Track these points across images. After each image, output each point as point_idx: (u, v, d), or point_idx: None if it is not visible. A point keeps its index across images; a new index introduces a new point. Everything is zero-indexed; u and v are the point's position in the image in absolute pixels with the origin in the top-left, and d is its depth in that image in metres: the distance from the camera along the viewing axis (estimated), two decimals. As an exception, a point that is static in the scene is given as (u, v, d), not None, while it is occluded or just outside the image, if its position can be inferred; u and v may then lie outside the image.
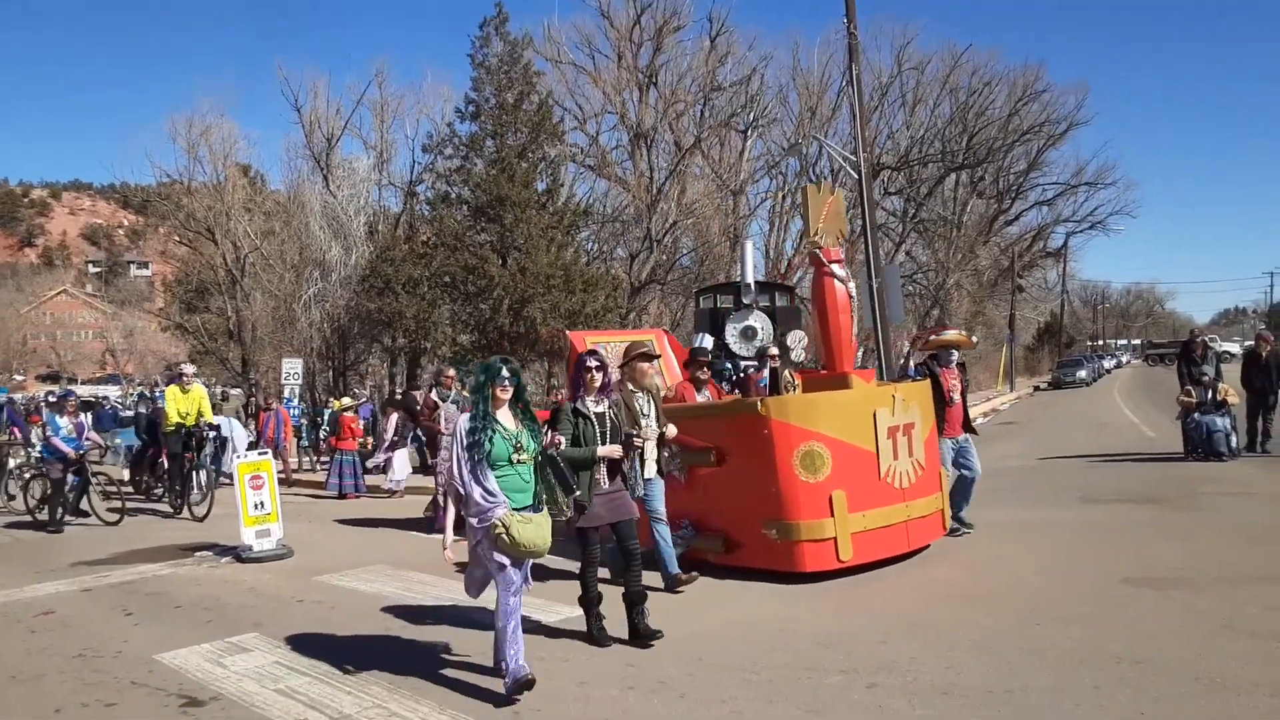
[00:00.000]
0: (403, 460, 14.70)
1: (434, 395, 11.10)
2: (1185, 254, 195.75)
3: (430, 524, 10.30)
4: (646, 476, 6.61)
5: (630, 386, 6.55)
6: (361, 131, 31.60)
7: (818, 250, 8.48)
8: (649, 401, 6.63)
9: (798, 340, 18.87)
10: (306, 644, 5.87)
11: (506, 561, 4.65)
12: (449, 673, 5.19)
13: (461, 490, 4.71)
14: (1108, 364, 59.91)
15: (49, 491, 11.77)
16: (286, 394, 21.83)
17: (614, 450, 5.68)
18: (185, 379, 13.03)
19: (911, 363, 14.88)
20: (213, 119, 33.26)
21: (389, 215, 30.73)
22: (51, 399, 16.06)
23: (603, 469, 5.65)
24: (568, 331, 8.85)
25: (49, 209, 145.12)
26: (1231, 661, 4.79)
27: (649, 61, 31.04)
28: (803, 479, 6.86)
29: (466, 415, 4.88)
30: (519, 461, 4.75)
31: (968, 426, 8.86)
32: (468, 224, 24.71)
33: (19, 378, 79.27)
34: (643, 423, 6.35)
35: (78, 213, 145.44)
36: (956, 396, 8.68)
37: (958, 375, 8.91)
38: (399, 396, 17.77)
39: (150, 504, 14.09)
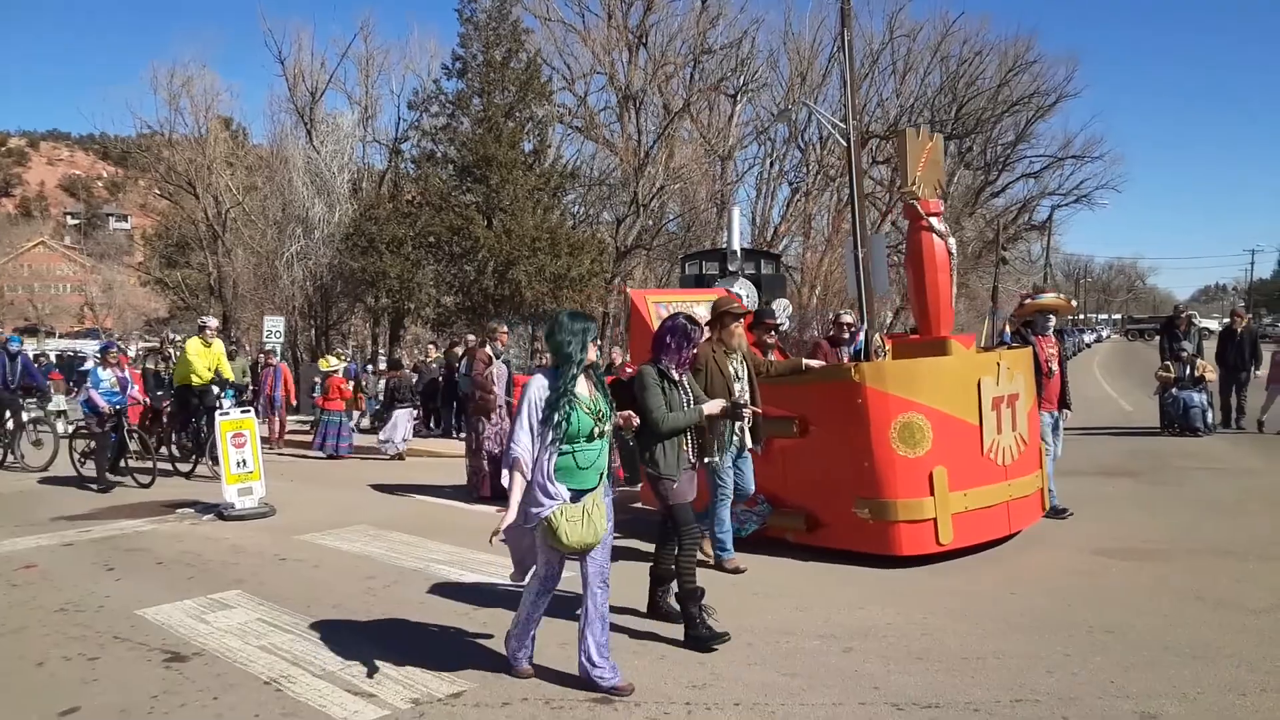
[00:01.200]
0: (404, 421, 14.54)
1: (488, 350, 10.34)
2: (1168, 230, 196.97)
3: (468, 493, 10.13)
4: (743, 448, 6.16)
5: (721, 348, 6.09)
6: (346, 86, 31.22)
7: (914, 202, 7.87)
8: (741, 364, 6.15)
9: (783, 308, 18.95)
10: (289, 601, 5.90)
11: (553, 556, 4.28)
12: (432, 632, 5.24)
13: (524, 471, 4.12)
14: (1088, 338, 60.52)
15: (93, 447, 11.39)
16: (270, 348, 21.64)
17: (716, 406, 5.14)
18: (208, 332, 12.33)
19: (1006, 329, 14.60)
20: (194, 70, 32.83)
21: (373, 173, 30.41)
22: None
23: (690, 439, 5.06)
24: (629, 289, 8.37)
25: (26, 159, 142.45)
26: (1201, 631, 4.91)
27: (639, 21, 30.67)
28: (900, 453, 6.29)
29: (539, 380, 4.19)
30: (600, 435, 4.21)
31: (1064, 401, 8.20)
32: (453, 184, 24.51)
33: (-3, 330, 78.39)
34: (735, 388, 5.92)
35: (56, 163, 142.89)
36: (1055, 367, 8.01)
37: (1055, 344, 8.23)
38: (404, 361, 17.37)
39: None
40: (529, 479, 4.11)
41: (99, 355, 12.12)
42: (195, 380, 11.96)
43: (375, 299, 25.54)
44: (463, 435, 14.27)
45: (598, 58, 30.80)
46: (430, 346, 21.26)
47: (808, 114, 28.50)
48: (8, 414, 13.36)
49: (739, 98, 30.46)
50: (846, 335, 8.97)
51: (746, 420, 5.66)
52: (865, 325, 11.01)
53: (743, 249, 17.88)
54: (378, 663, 4.70)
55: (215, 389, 11.99)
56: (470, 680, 4.43)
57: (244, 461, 9.22)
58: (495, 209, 23.57)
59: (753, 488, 6.45)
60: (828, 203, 32.61)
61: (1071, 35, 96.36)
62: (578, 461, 4.16)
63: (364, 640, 5.08)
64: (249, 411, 9.92)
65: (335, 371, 15.56)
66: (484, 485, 9.80)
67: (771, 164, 32.45)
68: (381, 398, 14.65)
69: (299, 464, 13.94)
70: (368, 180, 29.62)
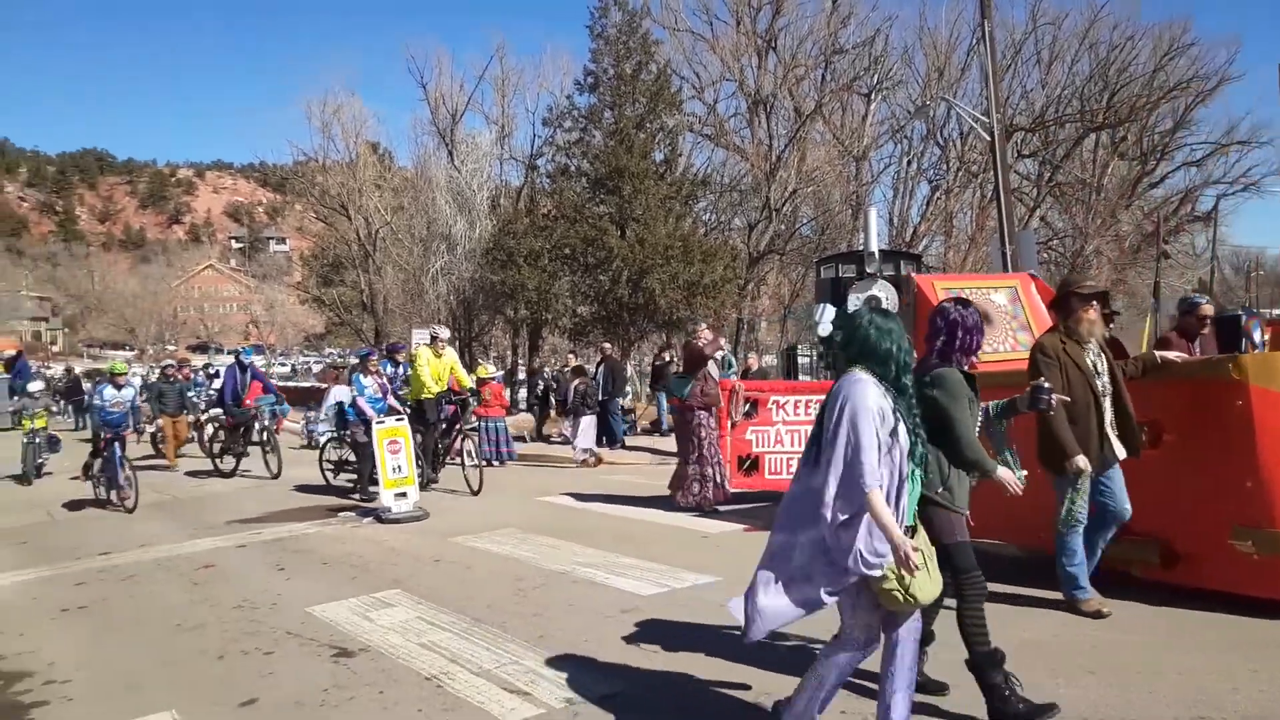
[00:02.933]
0: (589, 427, 14.53)
1: (707, 335, 9.73)
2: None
3: (668, 501, 9.59)
4: (1110, 459, 5.19)
5: (1070, 339, 5.23)
6: (483, 106, 32.24)
7: None
8: (1100, 356, 5.27)
9: (924, 309, 18.37)
10: (445, 601, 6.11)
11: (876, 616, 3.40)
12: (583, 634, 5.31)
13: (875, 498, 3.12)
14: (1255, 336, 55.92)
15: (344, 458, 11.49)
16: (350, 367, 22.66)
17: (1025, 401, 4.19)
18: (439, 342, 11.91)
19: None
20: (343, 98, 34.62)
21: (510, 189, 31.32)
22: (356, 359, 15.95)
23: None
24: (915, 276, 7.56)
25: (194, 188, 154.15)
26: None
27: (768, 25, 30.42)
28: None
29: (868, 386, 3.25)
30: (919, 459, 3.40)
31: None
32: (587, 196, 24.95)
33: (171, 347, 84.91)
34: (1098, 385, 5.10)
35: (220, 191, 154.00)
36: None
37: None
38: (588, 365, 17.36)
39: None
40: (881, 517, 3.12)
41: (360, 363, 11.91)
42: (425, 394, 11.60)
43: (514, 310, 26.25)
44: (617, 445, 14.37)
45: (726, 64, 30.73)
46: (570, 355, 21.70)
47: (947, 109, 27.60)
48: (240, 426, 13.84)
49: (873, 96, 29.78)
50: (1206, 329, 7.92)
51: (1050, 407, 4.29)
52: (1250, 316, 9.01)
53: (881, 250, 17.40)
54: (531, 662, 4.80)
55: (467, 397, 11.91)
56: (622, 682, 4.47)
57: (399, 467, 9.63)
58: (628, 219, 23.85)
59: (1128, 509, 5.27)
60: (970, 200, 31.43)
61: (1231, 16, 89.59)
62: (915, 490, 3.36)
63: (517, 640, 5.20)
64: (403, 419, 10.34)
65: (493, 378, 15.53)
66: (710, 494, 9.24)
67: (909, 162, 31.55)
68: (569, 403, 14.77)
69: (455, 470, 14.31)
70: (505, 196, 30.54)
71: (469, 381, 12.21)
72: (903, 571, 3.15)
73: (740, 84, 30.60)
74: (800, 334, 32.00)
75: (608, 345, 18.69)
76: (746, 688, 4.31)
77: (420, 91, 31.71)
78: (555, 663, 4.79)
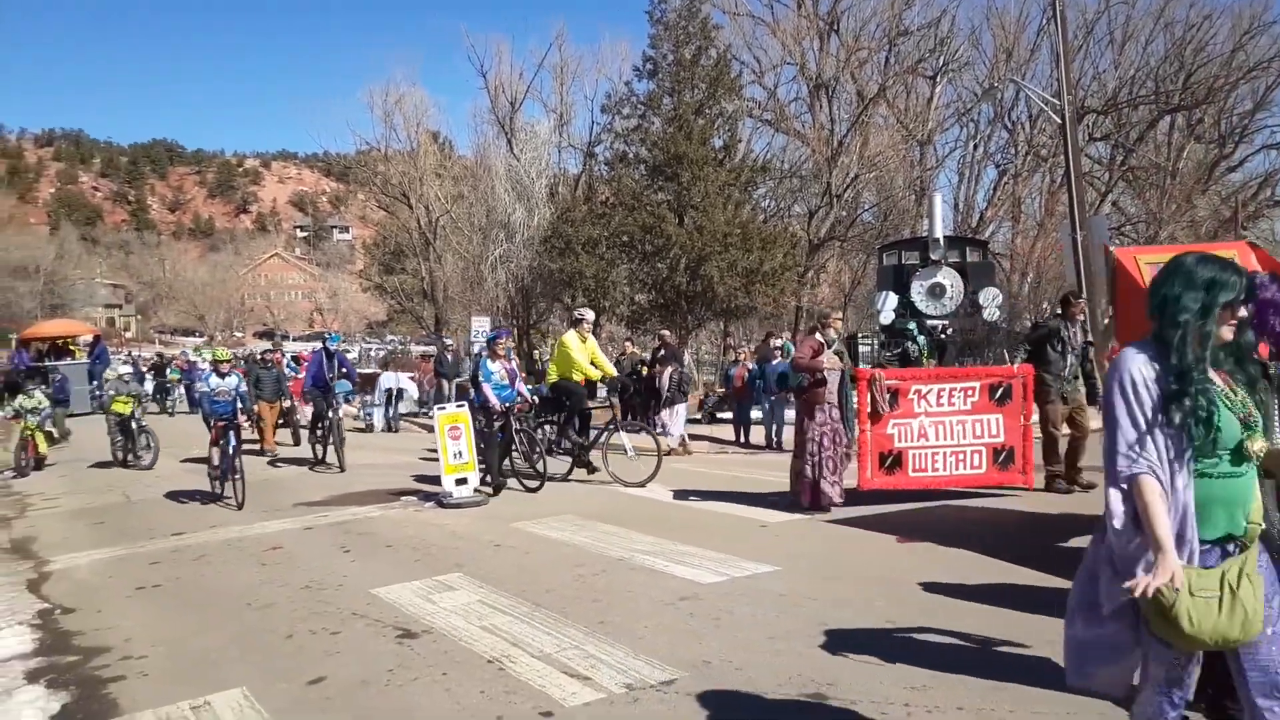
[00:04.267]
0: (681, 414, 14.41)
1: (817, 338, 8.62)
2: None
3: (789, 500, 8.70)
4: None
5: None
6: (542, 94, 32.41)
7: None
8: None
9: (991, 298, 17.98)
10: (506, 585, 6.15)
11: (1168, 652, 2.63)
12: (641, 621, 5.30)
13: (1163, 494, 2.51)
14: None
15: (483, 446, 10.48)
16: (477, 350, 22.72)
17: None
18: (585, 325, 11.17)
19: None
20: (405, 88, 35.09)
21: (568, 177, 31.44)
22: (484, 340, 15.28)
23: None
24: (1114, 249, 6.73)
25: (261, 178, 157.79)
26: None
27: (830, 8, 30.02)
28: None
29: (1135, 357, 2.62)
30: (1256, 454, 2.60)
31: None
32: (645, 183, 24.94)
33: (239, 334, 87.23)
34: None
35: (285, 181, 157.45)
36: None
37: None
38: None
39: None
40: (1157, 513, 2.49)
41: (487, 346, 11.26)
42: (574, 376, 10.99)
43: (572, 298, 26.37)
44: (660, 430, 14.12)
45: (787, 48, 30.40)
46: (627, 343, 21.75)
47: (1016, 91, 26.96)
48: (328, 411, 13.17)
49: (939, 79, 29.20)
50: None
51: None
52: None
53: (946, 236, 17.13)
54: (591, 648, 4.81)
55: (625, 382, 11.46)
56: (681, 669, 4.45)
57: (460, 453, 9.72)
58: (686, 206, 23.78)
59: None
60: (1039, 184, 30.68)
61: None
62: (1217, 493, 2.58)
63: (577, 625, 5.22)
64: (463, 406, 10.44)
65: None
66: (805, 493, 8.41)
67: (975, 146, 30.91)
68: (666, 391, 14.64)
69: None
70: (563, 184, 30.67)
71: (611, 369, 11.45)
72: (1163, 588, 2.44)
73: (801, 68, 30.25)
74: (861, 322, 31.58)
75: (666, 332, 18.63)
76: (807, 679, 4.25)
77: (480, 80, 32.03)
78: (615, 648, 4.78)
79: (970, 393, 8.49)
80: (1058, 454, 8.94)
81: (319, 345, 14.33)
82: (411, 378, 23.64)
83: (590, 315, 11.46)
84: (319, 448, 13.51)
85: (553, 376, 11.32)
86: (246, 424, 11.40)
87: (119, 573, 7.28)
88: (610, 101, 26.43)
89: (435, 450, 10.06)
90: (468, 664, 4.68)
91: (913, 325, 16.61)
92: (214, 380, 10.88)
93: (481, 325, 23.79)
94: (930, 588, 5.72)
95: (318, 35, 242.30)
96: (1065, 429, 8.90)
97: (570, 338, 11.10)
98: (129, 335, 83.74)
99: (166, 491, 11.37)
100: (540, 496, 10.00)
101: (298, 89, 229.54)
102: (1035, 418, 8.70)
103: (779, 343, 15.45)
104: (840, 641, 4.75)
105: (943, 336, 15.69)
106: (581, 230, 24.53)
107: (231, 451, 10.16)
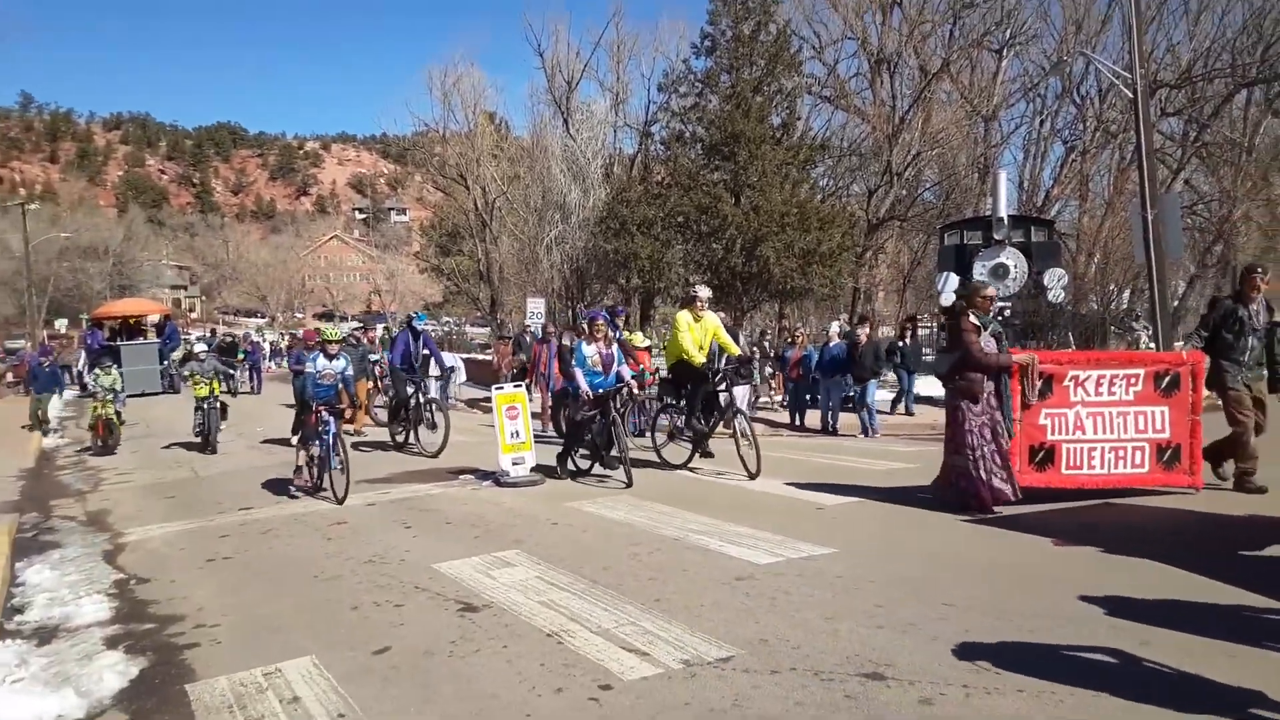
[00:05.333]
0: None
1: (972, 318, 7.43)
2: None
3: (941, 498, 7.68)
4: None
5: None
6: (598, 73, 32.35)
7: None
8: None
9: (1056, 279, 17.55)
10: (563, 562, 6.23)
11: None
12: (697, 599, 5.32)
13: None
14: None
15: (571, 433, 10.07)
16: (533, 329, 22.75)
17: None
18: (699, 303, 10.17)
19: None
20: (463, 68, 35.28)
21: (624, 157, 31.39)
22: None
23: None
24: None
25: (321, 160, 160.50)
26: None
27: (892, -18, 29.39)
28: None
29: None
30: None
31: None
32: (701, 163, 24.78)
33: (299, 315, 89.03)
34: None
35: (344, 163, 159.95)
36: None
37: None
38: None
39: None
40: None
41: (586, 325, 10.27)
42: (686, 359, 10.04)
43: (627, 279, 26.40)
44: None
45: (848, 23, 29.89)
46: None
47: (1085, 65, 26.14)
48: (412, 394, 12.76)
49: (1004, 52, 28.44)
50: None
51: None
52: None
53: (1010, 216, 16.71)
54: (648, 624, 4.85)
55: (737, 366, 10.20)
56: (738, 647, 4.46)
57: (517, 433, 9.83)
58: (743, 186, 23.59)
59: None
60: (1108, 162, 29.72)
61: None
62: None
63: (634, 602, 5.26)
64: (520, 386, 10.54)
65: (645, 348, 14.53)
66: (977, 492, 7.25)
67: (1042, 122, 30.00)
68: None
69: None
70: (619, 164, 30.63)
71: (736, 348, 10.39)
72: None
73: (862, 42, 29.72)
74: (920, 304, 31.10)
75: (721, 315, 18.53)
76: (864, 659, 4.23)
77: (538, 60, 32.04)
78: (672, 625, 4.82)
79: (1133, 381, 7.63)
80: (1247, 447, 7.75)
81: (405, 325, 13.58)
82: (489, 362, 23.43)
83: (705, 292, 10.40)
84: (402, 431, 12.98)
85: (670, 359, 10.46)
86: (349, 411, 10.58)
87: (190, 545, 7.53)
88: (667, 79, 26.33)
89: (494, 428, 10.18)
90: (528, 637, 4.76)
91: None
92: (321, 362, 9.82)
93: (536, 307, 23.90)
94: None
95: (378, 17, 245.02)
96: (1246, 417, 7.75)
97: (682, 317, 10.20)
98: (194, 316, 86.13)
99: (238, 469, 11.70)
100: (596, 475, 10.00)
101: (357, 71, 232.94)
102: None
103: (837, 328, 15.34)
104: (899, 625, 4.72)
105: (998, 319, 15.29)
106: (637, 211, 24.50)
107: (331, 439, 9.32)
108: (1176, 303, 28.13)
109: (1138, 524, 6.83)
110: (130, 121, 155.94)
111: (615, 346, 9.79)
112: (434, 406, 12.73)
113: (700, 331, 10.11)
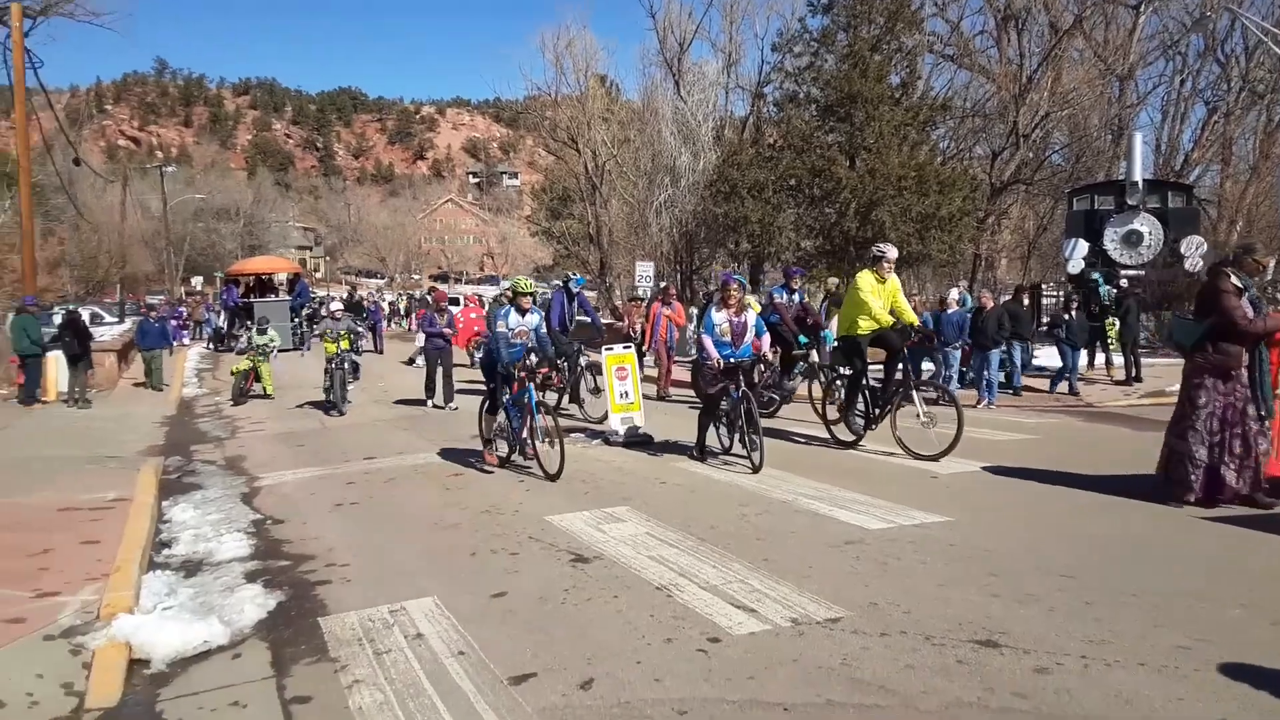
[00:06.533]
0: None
1: (1233, 279, 6.39)
2: None
3: (1164, 489, 6.54)
4: None
5: None
6: (710, 34, 32.15)
7: None
8: None
9: (1194, 247, 16.59)
10: (672, 520, 6.32)
11: None
12: (805, 561, 5.33)
13: None
14: None
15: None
16: (641, 293, 22.77)
17: None
18: (885, 264, 9.02)
19: None
20: (576, 30, 35.34)
21: (735, 120, 31.00)
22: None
23: None
24: None
25: (436, 125, 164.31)
26: None
27: (1022, -66, 27.94)
28: None
29: None
30: None
31: None
32: (815, 124, 24.27)
33: (415, 277, 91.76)
34: None
35: (459, 128, 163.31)
36: None
37: None
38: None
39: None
40: None
41: (720, 288, 9.18)
42: (863, 326, 8.95)
43: (736, 244, 26.18)
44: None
45: (974, -22, 28.63)
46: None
47: (1231, 21, 24.34)
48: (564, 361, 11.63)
49: (1142, 8, 26.73)
50: None
51: None
52: None
53: (1145, 180, 15.86)
54: (756, 583, 4.90)
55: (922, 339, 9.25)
56: (847, 609, 4.46)
57: (626, 394, 9.98)
58: (859, 148, 23.03)
59: None
60: (1254, 124, 27.73)
61: None
62: None
63: (742, 560, 5.31)
64: (630, 347, 10.65)
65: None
66: (1194, 480, 6.35)
67: (1182, 82, 28.16)
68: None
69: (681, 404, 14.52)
70: (730, 127, 30.28)
71: (913, 316, 9.26)
72: None
73: (988, -1, 28.43)
74: (1045, 272, 29.87)
75: (834, 280, 18.23)
76: (978, 626, 4.18)
77: (649, 21, 31.87)
78: (779, 585, 4.85)
79: None
80: None
81: (559, 286, 12.82)
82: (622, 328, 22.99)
83: (892, 253, 9.23)
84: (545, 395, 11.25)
85: (844, 324, 9.34)
86: (554, 377, 9.29)
87: (319, 490, 7.96)
88: (782, 39, 25.79)
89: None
90: (637, 589, 4.87)
91: (1097, 275, 15.53)
92: (513, 318, 8.59)
93: (645, 270, 23.99)
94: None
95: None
96: None
97: (865, 278, 9.06)
98: (319, 276, 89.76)
99: (360, 422, 12.23)
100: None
101: (472, 36, 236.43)
102: None
103: (956, 294, 14.72)
104: (1017, 595, 4.63)
105: (1120, 287, 14.39)
106: (748, 174, 24.20)
107: (533, 408, 8.14)
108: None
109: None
110: (258, 87, 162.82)
111: (750, 316, 8.71)
112: (594, 371, 11.73)
113: (884, 295, 9.03)
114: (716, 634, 4.20)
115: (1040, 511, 6.42)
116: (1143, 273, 16.07)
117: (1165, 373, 14.12)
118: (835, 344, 10.37)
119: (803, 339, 11.66)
